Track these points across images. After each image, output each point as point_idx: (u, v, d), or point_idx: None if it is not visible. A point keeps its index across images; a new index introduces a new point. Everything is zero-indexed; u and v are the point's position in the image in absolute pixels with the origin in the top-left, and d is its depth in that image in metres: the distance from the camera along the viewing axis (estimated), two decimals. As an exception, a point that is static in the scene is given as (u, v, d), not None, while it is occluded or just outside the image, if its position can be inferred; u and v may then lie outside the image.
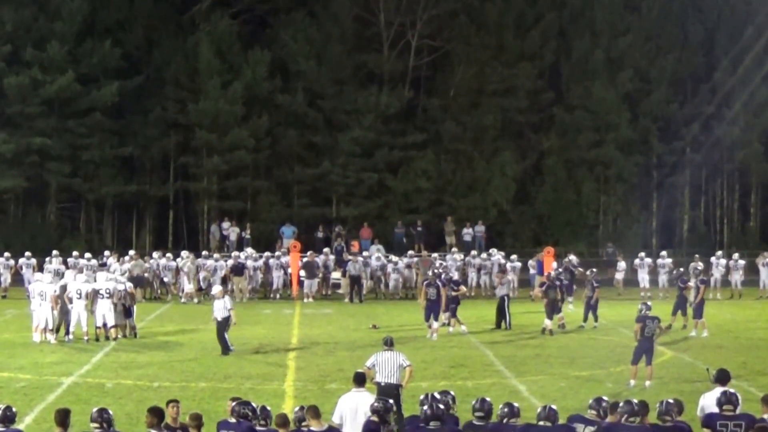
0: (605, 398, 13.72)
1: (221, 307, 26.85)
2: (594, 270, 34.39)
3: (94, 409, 12.88)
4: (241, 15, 59.34)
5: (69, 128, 53.74)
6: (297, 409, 13.53)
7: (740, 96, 57.14)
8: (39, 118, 52.95)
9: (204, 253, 44.85)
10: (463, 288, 33.09)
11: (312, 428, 13.20)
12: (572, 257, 41.28)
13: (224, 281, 40.26)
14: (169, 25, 58.00)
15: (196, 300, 40.72)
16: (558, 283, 32.71)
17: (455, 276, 36.49)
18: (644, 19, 59.26)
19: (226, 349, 26.63)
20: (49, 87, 52.42)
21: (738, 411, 13.20)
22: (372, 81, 58.43)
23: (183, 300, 41.07)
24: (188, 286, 41.35)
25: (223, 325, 26.74)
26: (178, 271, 42.02)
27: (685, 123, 57.74)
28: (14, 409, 13.12)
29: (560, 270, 35.83)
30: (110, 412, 12.76)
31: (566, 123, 58.23)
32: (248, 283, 41.98)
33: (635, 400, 13.18)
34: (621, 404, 13.14)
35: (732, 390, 13.59)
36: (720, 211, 62.76)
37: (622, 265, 44.24)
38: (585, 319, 32.46)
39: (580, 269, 38.92)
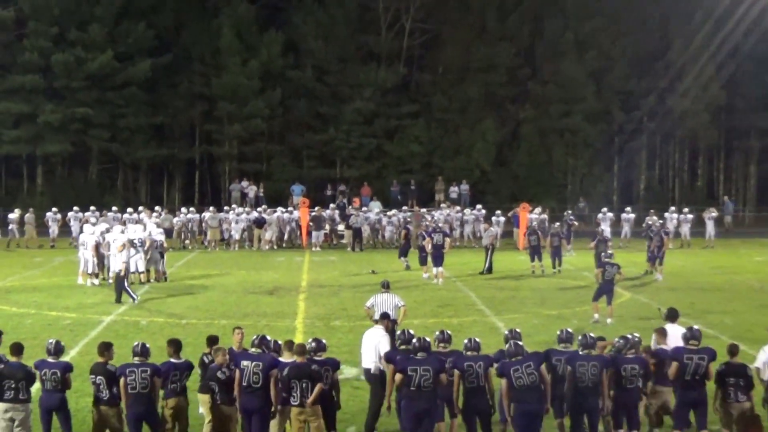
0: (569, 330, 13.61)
1: (119, 260, 25.66)
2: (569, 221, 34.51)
3: (136, 343, 12.94)
4: (258, 0, 58.92)
5: (108, 100, 53.60)
6: (310, 341, 13.31)
7: (690, 72, 56.94)
8: (82, 91, 52.79)
9: (225, 208, 44.70)
10: (428, 241, 30.37)
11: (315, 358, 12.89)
12: (569, 213, 41.46)
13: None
14: (195, 9, 57.68)
15: (218, 248, 40.79)
16: (538, 231, 32.65)
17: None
18: (608, 5, 58.83)
19: (119, 297, 24.92)
20: (90, 64, 52.25)
21: (700, 345, 13.08)
22: (371, 59, 58.27)
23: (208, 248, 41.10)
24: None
25: (121, 276, 25.32)
26: (202, 223, 41.95)
27: (642, 95, 57.45)
28: (62, 343, 13.18)
29: (557, 224, 35.29)
30: (147, 345, 12.92)
31: (540, 96, 58.10)
32: (268, 234, 41.68)
33: (592, 334, 13.13)
34: (579, 338, 12.94)
35: (697, 327, 13.50)
36: (672, 172, 62.98)
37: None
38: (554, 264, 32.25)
39: (576, 222, 39.24)
